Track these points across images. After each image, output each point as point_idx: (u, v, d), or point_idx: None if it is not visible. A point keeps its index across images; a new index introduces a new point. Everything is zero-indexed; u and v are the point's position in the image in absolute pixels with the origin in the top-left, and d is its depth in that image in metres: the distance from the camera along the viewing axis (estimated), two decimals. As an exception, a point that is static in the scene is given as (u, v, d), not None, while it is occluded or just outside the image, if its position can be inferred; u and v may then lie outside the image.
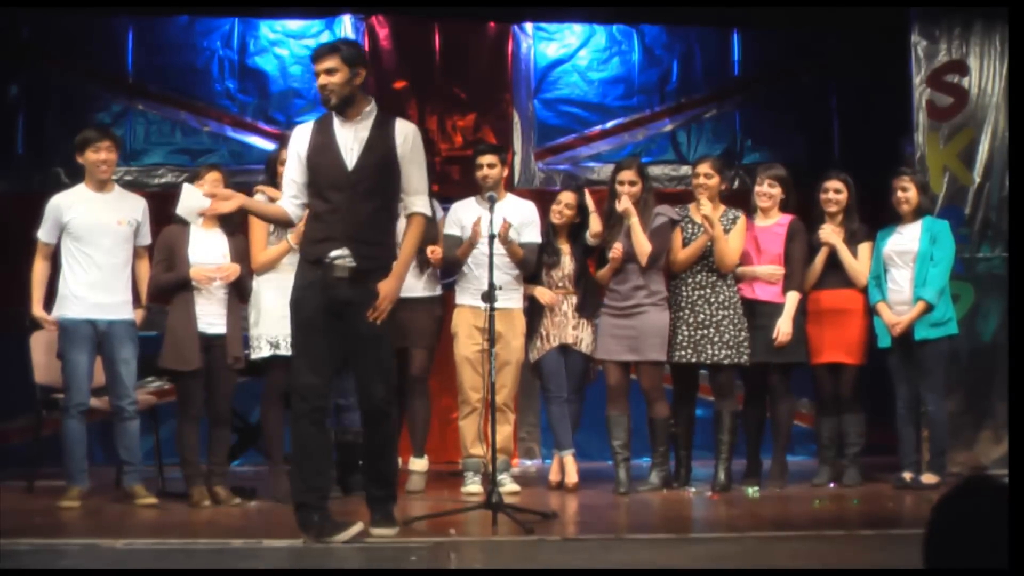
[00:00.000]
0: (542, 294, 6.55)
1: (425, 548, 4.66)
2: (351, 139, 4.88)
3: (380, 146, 4.88)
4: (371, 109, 4.94)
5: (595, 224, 6.54)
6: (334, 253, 4.83)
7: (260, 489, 6.27)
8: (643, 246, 6.32)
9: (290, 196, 5.02)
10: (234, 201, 5.02)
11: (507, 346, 6.36)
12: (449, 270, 6.61)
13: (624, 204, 6.34)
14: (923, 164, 7.21)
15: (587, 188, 7.10)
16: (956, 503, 2.07)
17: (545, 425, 7.39)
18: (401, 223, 5.08)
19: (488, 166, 6.51)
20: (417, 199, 4.96)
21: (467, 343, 6.43)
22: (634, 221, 6.33)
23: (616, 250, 6.35)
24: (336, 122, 4.93)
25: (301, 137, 4.98)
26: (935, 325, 6.49)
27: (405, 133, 4.93)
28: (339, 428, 6.25)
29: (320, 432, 4.98)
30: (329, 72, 4.84)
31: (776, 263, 6.57)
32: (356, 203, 4.83)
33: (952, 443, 6.78)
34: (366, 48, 8.22)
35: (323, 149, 4.90)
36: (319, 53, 4.92)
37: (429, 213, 5.02)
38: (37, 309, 6.00)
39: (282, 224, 5.52)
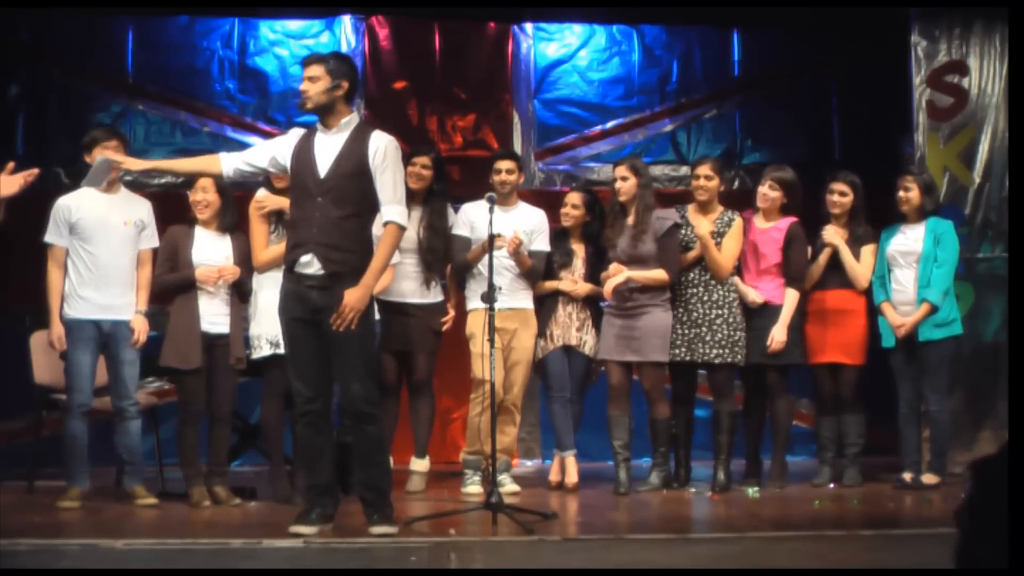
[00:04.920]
0: (568, 285, 6.53)
1: (425, 548, 4.65)
2: (327, 149, 4.99)
3: (352, 157, 4.95)
4: (350, 120, 5.04)
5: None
6: (303, 259, 4.93)
7: (260, 489, 6.26)
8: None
9: (242, 156, 5.23)
10: (140, 163, 5.57)
11: (520, 344, 6.38)
12: (459, 273, 6.61)
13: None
14: (923, 164, 7.20)
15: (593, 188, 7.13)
16: (996, 465, 2.04)
17: (545, 425, 7.39)
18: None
19: (507, 172, 6.53)
20: (390, 208, 4.95)
21: (484, 342, 6.42)
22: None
23: (615, 269, 6.32)
24: (319, 132, 5.06)
25: (290, 140, 5.14)
26: (939, 326, 6.48)
27: (378, 145, 4.96)
28: (339, 429, 6.23)
29: (317, 434, 5.06)
30: (312, 79, 5.00)
31: (773, 267, 6.54)
32: (325, 210, 4.92)
33: (953, 443, 6.77)
34: (366, 48, 8.24)
35: (303, 157, 5.03)
36: (308, 60, 5.11)
37: (402, 222, 4.97)
38: (56, 327, 5.90)
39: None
